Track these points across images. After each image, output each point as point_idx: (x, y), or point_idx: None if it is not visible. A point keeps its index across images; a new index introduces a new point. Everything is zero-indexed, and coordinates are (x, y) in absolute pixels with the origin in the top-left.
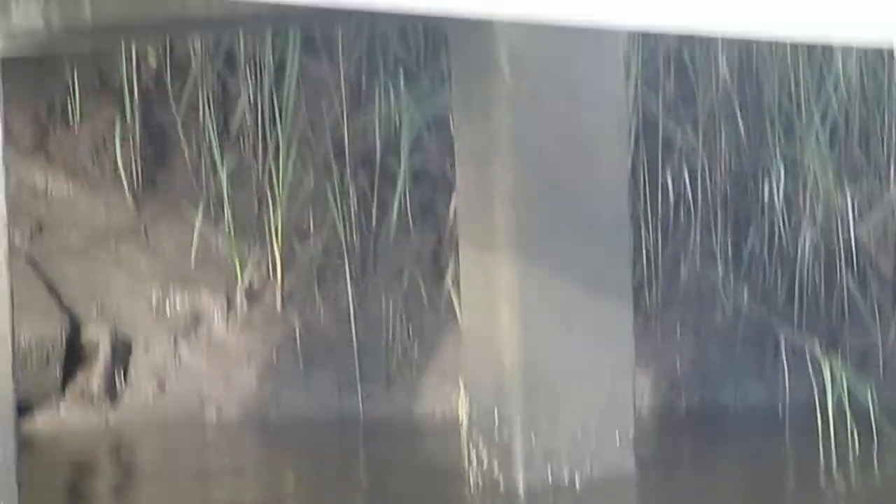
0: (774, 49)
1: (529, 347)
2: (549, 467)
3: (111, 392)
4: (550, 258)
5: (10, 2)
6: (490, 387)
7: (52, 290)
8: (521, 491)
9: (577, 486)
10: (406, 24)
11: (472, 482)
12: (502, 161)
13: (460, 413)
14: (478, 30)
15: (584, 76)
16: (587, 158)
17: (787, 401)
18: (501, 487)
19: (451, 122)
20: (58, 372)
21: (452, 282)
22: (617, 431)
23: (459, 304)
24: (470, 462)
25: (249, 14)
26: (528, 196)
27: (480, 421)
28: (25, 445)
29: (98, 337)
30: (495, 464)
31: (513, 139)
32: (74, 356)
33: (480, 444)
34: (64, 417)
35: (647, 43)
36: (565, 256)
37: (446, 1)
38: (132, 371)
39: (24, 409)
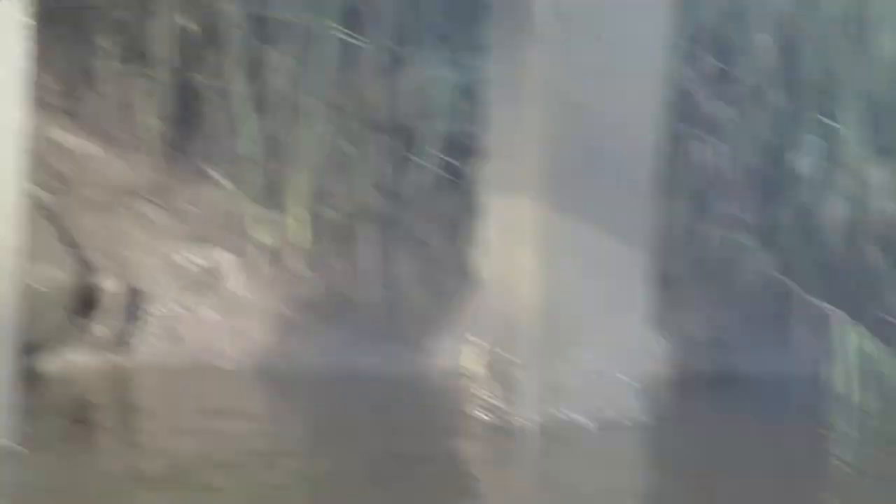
0: (814, 25)
1: (549, 289)
2: (562, 409)
3: (124, 339)
4: (575, 203)
5: None
6: (505, 328)
7: (73, 242)
8: (534, 432)
9: (591, 427)
10: None
11: (486, 424)
12: (533, 104)
13: (476, 365)
14: None
15: (621, 27)
16: (619, 107)
17: (805, 370)
18: (514, 428)
19: (485, 76)
20: (74, 318)
21: (473, 244)
22: (631, 377)
23: (478, 259)
24: (484, 405)
25: None
26: (557, 140)
27: (496, 363)
28: (38, 383)
29: (115, 287)
30: (509, 405)
31: (545, 83)
32: (89, 306)
33: (495, 387)
34: (77, 360)
35: (689, 14)
36: (590, 202)
37: None
38: (147, 321)
39: (37, 350)
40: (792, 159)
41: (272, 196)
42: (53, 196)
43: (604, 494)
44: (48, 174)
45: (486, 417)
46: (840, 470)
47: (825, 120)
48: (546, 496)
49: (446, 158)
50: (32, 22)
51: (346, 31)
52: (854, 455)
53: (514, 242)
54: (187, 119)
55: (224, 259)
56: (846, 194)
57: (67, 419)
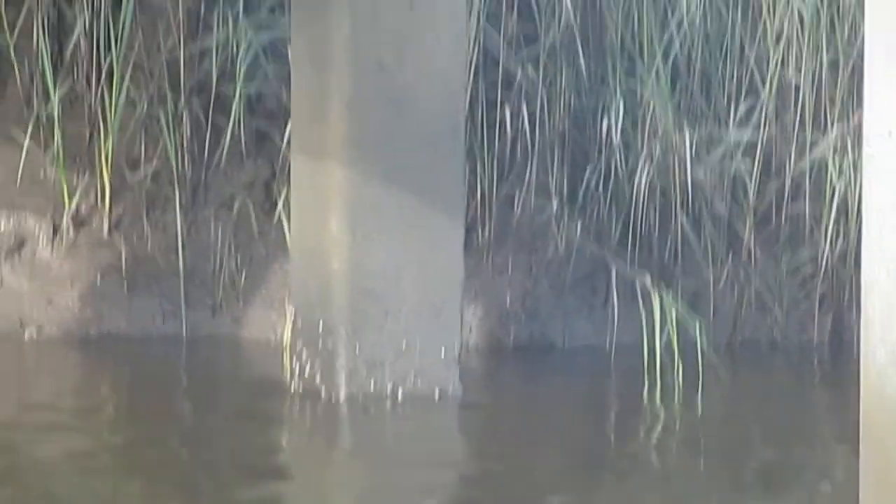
0: None
1: (357, 256)
2: (372, 378)
3: None
4: (383, 166)
5: None
6: (316, 295)
7: None
8: (342, 401)
9: (399, 398)
10: None
11: (294, 392)
12: (340, 69)
13: (285, 333)
14: None
15: None
16: (425, 70)
17: (617, 339)
18: (322, 397)
19: (290, 37)
20: None
21: (284, 210)
22: (443, 347)
23: (289, 229)
24: (293, 372)
25: None
26: (363, 103)
27: (305, 330)
28: None
29: None
30: (318, 374)
31: (351, 47)
32: None
33: (304, 354)
34: None
35: None
36: (399, 166)
37: None
38: None
39: None
40: (599, 125)
41: (78, 160)
42: None
43: (394, 464)
44: None
45: (297, 388)
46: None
47: (630, 82)
48: (335, 463)
49: (254, 121)
50: None
51: None
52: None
53: (324, 208)
54: None
55: (30, 223)
56: (653, 160)
57: None
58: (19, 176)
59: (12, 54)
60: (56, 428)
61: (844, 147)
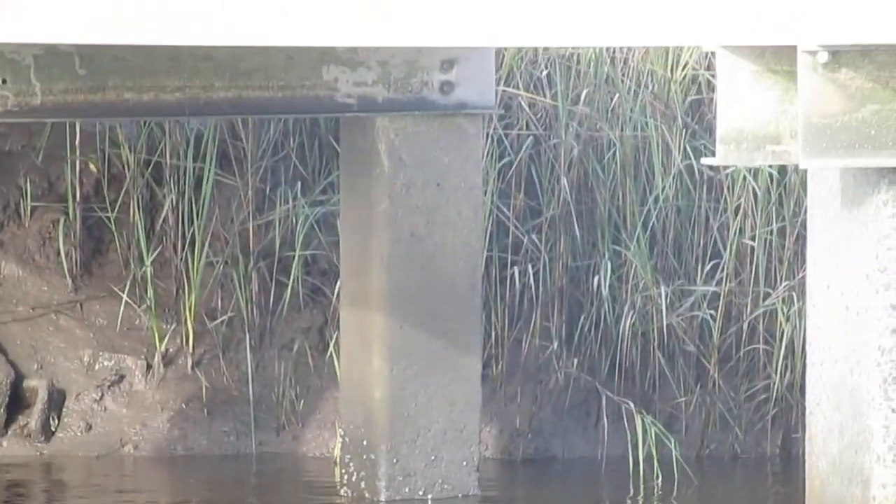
0: (607, 170)
1: (394, 387)
2: (406, 486)
3: (46, 431)
4: (415, 315)
5: None
6: (361, 418)
7: (1, 349)
8: (383, 503)
9: (430, 501)
10: (304, 140)
11: (343, 496)
12: (379, 236)
13: (336, 450)
14: (363, 128)
15: (448, 169)
16: (448, 235)
17: (607, 452)
18: (366, 500)
19: (339, 211)
20: (2, 413)
21: (334, 350)
22: (464, 459)
23: (339, 365)
24: (342, 481)
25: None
26: (398, 264)
27: (352, 446)
28: None
29: (37, 387)
30: (363, 482)
31: (388, 219)
32: (17, 403)
33: (351, 466)
34: (6, 449)
35: (502, 159)
36: (427, 315)
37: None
38: (65, 415)
39: None
40: (591, 281)
41: (167, 310)
42: None
43: None
44: None
45: (346, 493)
46: None
47: (616, 247)
48: None
49: (309, 279)
50: None
51: (222, 173)
52: None
53: (367, 349)
54: (94, 247)
55: (128, 362)
56: (635, 309)
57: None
58: (119, 324)
59: (113, 226)
60: None
61: (791, 298)
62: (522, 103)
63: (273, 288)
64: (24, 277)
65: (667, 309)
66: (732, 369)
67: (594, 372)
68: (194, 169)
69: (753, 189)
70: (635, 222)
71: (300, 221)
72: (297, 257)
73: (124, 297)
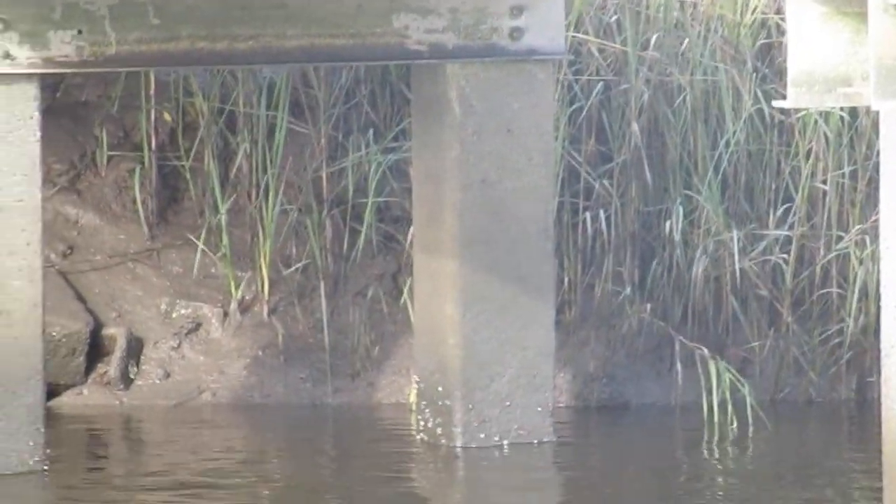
0: (677, 115)
1: (467, 332)
2: (482, 431)
3: (125, 379)
4: (487, 260)
5: (48, 34)
6: (435, 364)
7: (80, 298)
8: (458, 449)
9: (505, 446)
10: (375, 88)
11: (419, 443)
12: (451, 182)
13: (411, 397)
14: (433, 76)
15: (518, 115)
16: (519, 181)
17: (680, 398)
18: (442, 447)
19: (411, 158)
20: (82, 362)
21: (408, 297)
22: (538, 405)
23: (413, 312)
24: (418, 427)
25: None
26: (470, 210)
27: (427, 392)
28: (54, 418)
29: (115, 335)
30: (438, 428)
31: (459, 165)
32: (97, 350)
33: (426, 412)
34: (86, 397)
35: (572, 105)
36: (499, 261)
37: None
38: (143, 363)
39: (53, 390)
40: (663, 225)
41: (241, 258)
42: (64, 259)
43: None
44: (58, 241)
45: (422, 440)
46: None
47: (688, 192)
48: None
49: (382, 226)
50: (40, 115)
51: (295, 121)
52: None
53: (440, 295)
54: (170, 195)
55: (205, 310)
56: (707, 253)
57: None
58: (195, 272)
59: (188, 174)
60: (225, 474)
61: (864, 241)
62: (592, 49)
63: (346, 235)
64: (100, 226)
65: (739, 253)
66: (806, 313)
67: (667, 317)
68: (267, 117)
69: (825, 132)
70: (706, 167)
71: (372, 169)
72: (369, 204)
73: (200, 245)
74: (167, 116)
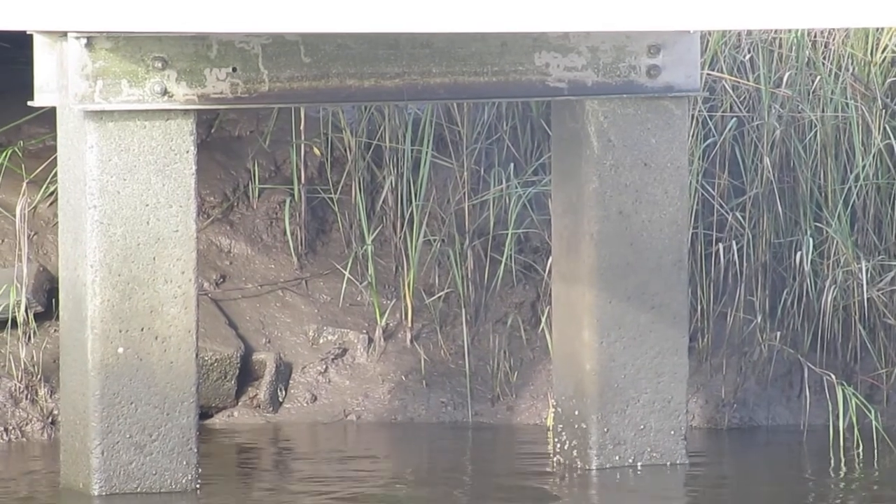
0: (808, 150)
1: (603, 359)
2: (617, 453)
3: (274, 402)
4: (623, 290)
5: (205, 72)
6: (572, 389)
7: (232, 324)
8: (593, 471)
9: (639, 468)
10: (516, 124)
11: (556, 464)
12: (589, 214)
13: (548, 420)
14: (573, 111)
15: (654, 149)
16: (655, 213)
17: (808, 422)
18: (578, 468)
19: (550, 191)
20: (233, 385)
21: (546, 324)
22: (672, 428)
23: (551, 338)
24: (555, 449)
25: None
26: (607, 242)
27: (564, 416)
28: (207, 435)
29: (265, 360)
30: (574, 450)
31: (597, 198)
32: (247, 374)
33: (563, 435)
34: (237, 419)
35: (706, 140)
36: (635, 289)
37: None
38: (291, 387)
39: (206, 412)
40: (794, 256)
41: (387, 287)
42: (217, 287)
43: None
44: (211, 269)
45: (558, 461)
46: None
47: (818, 224)
48: None
49: (521, 256)
50: (195, 149)
51: (439, 155)
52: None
53: (577, 322)
54: (318, 226)
55: (351, 336)
56: (837, 283)
57: (234, 463)
58: (341, 300)
59: (336, 207)
60: (370, 488)
61: None
62: (726, 86)
63: (487, 265)
64: (252, 256)
65: (867, 283)
66: None
67: (797, 344)
68: (412, 152)
69: None
70: (836, 200)
71: (513, 201)
72: (510, 235)
73: (346, 274)
74: (317, 151)
